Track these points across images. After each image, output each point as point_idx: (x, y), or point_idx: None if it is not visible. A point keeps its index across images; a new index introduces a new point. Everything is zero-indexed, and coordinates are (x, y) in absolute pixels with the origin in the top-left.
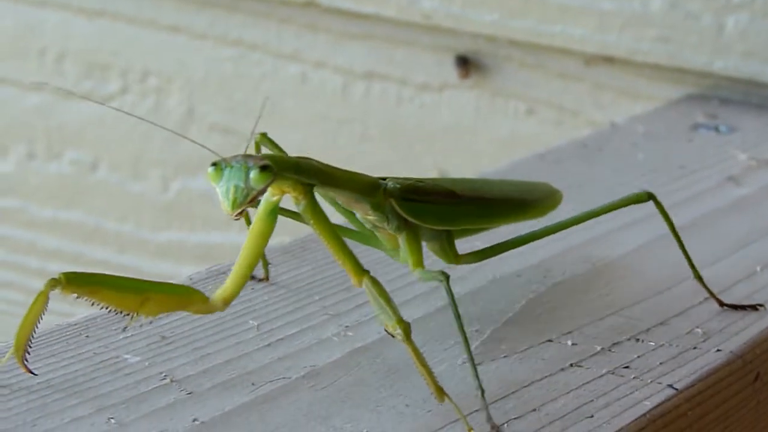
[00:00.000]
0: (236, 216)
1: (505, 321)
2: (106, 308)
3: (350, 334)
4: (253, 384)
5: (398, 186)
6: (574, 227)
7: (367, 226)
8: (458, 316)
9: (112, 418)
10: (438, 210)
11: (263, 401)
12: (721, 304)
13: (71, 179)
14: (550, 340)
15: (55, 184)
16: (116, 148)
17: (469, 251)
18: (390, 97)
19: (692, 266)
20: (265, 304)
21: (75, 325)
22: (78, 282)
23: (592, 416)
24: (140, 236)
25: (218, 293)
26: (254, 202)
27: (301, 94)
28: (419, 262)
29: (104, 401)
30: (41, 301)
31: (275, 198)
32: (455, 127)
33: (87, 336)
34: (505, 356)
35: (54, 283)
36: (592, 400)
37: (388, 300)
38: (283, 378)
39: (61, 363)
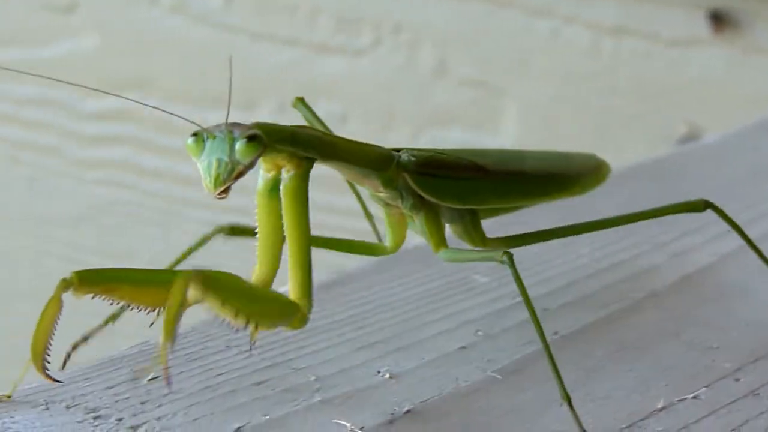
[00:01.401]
0: (219, 195)
1: None
2: (127, 306)
3: (676, 260)
4: (600, 303)
5: (413, 159)
6: None
7: (379, 204)
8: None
9: (479, 330)
10: (460, 186)
11: (615, 318)
12: None
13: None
14: None
15: None
16: (366, 101)
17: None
18: (639, 53)
19: None
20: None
21: (422, 248)
22: (92, 280)
23: None
24: None
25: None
26: (240, 177)
27: (551, 50)
28: (441, 242)
29: (466, 316)
30: (54, 305)
31: (272, 174)
32: (705, 83)
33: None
34: None
35: (65, 284)
36: None
37: None
38: (628, 298)
39: (421, 279)
